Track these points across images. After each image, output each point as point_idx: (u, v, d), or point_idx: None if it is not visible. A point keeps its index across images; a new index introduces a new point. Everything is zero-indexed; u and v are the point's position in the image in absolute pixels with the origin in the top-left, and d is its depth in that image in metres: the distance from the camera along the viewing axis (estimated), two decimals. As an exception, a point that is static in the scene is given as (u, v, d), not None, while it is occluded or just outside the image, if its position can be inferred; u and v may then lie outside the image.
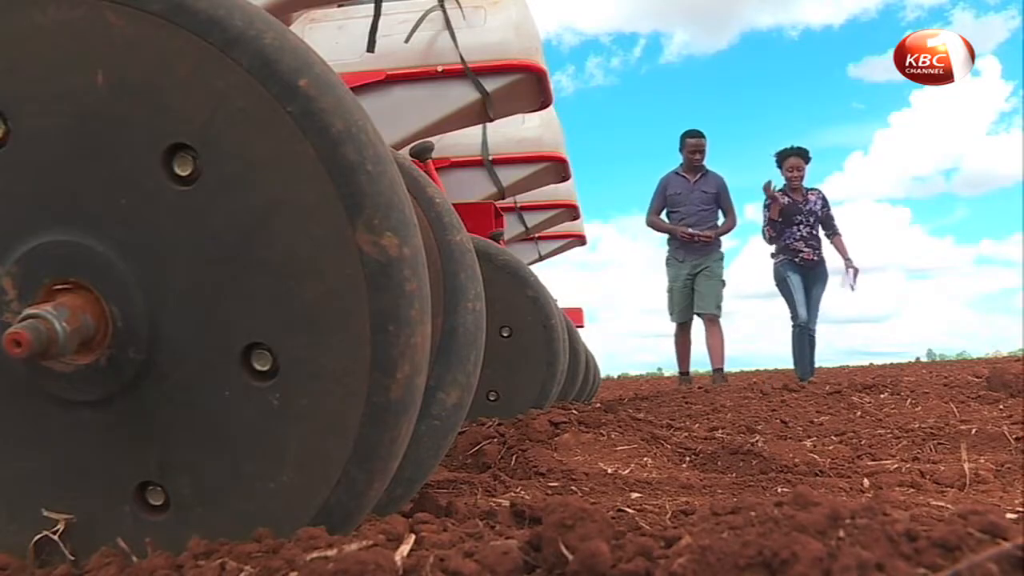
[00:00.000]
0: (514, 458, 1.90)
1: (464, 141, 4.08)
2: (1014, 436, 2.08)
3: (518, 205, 4.84)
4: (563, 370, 2.36)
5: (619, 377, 23.11)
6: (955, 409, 2.87)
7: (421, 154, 2.81)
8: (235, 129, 0.75)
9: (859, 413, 2.99)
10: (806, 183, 7.82)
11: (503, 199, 4.30)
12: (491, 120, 3.53)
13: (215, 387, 0.81)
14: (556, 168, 4.25)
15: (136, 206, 0.80)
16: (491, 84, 3.20)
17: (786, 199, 7.51)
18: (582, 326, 6.23)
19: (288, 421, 0.80)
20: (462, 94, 3.22)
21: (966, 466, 1.63)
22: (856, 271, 7.72)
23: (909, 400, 3.33)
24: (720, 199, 7.52)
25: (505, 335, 2.17)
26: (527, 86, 3.27)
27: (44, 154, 0.82)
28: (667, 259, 7.59)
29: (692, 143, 7.46)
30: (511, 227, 4.87)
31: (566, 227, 5.80)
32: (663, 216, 7.63)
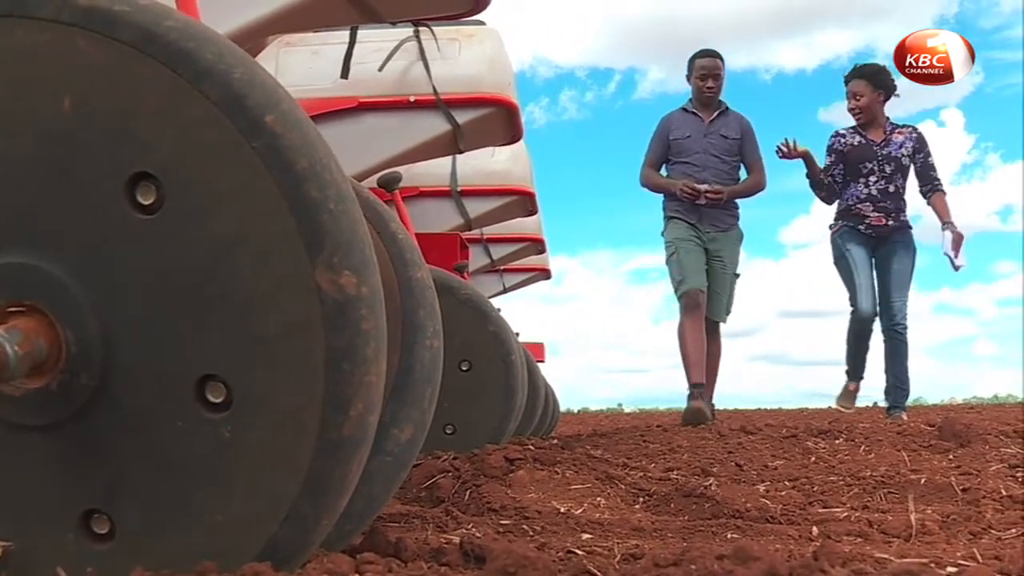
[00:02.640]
0: (468, 493, 1.89)
1: (433, 171, 4.09)
2: (961, 487, 2.11)
3: (484, 237, 4.86)
4: (521, 406, 2.37)
5: (579, 412, 23.13)
6: (906, 458, 2.90)
7: (388, 184, 2.82)
8: (200, 161, 0.76)
9: (813, 459, 3.01)
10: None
11: (470, 230, 4.31)
12: (461, 152, 3.54)
13: (168, 416, 0.81)
14: (524, 202, 4.28)
15: (97, 232, 0.80)
16: (462, 116, 3.22)
17: (856, 139, 5.51)
18: (543, 361, 6.24)
19: (239, 454, 0.80)
20: (433, 125, 3.23)
21: (913, 517, 1.65)
22: (958, 237, 5.44)
23: (863, 447, 3.36)
24: (744, 148, 5.51)
25: (464, 369, 2.17)
26: (498, 120, 3.29)
27: (5, 175, 0.82)
28: (667, 219, 5.51)
29: (703, 64, 5.45)
30: (477, 258, 4.88)
31: (532, 260, 5.81)
32: (663, 173, 5.60)
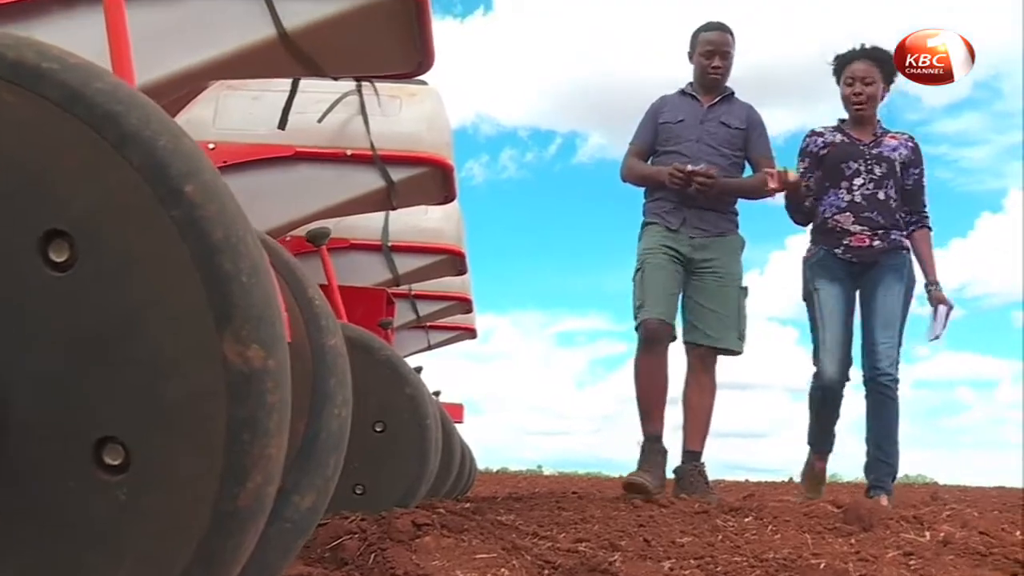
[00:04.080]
0: (372, 556, 1.87)
1: (365, 224, 4.10)
2: (857, 573, 2.16)
3: (412, 293, 4.86)
4: (434, 470, 2.36)
5: (498, 471, 23.01)
6: (810, 541, 2.95)
7: (316, 239, 2.82)
8: (117, 225, 0.76)
9: (720, 536, 3.05)
10: (885, 120, 4.47)
11: (397, 286, 4.32)
12: (394, 209, 3.57)
13: (62, 475, 0.80)
14: (454, 262, 4.30)
15: (6, 284, 0.80)
16: (398, 174, 3.24)
17: (837, 136, 4.39)
18: (461, 422, 6.22)
19: (132, 518, 0.79)
20: (368, 180, 3.25)
21: (808, 606, 1.69)
22: (946, 307, 4.33)
23: (770, 527, 3.41)
24: (751, 141, 4.51)
25: (378, 430, 2.16)
26: (433, 180, 3.32)
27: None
28: (643, 225, 4.57)
29: (710, 39, 4.48)
30: (403, 314, 4.87)
31: (458, 319, 5.82)
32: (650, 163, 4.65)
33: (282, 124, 2.87)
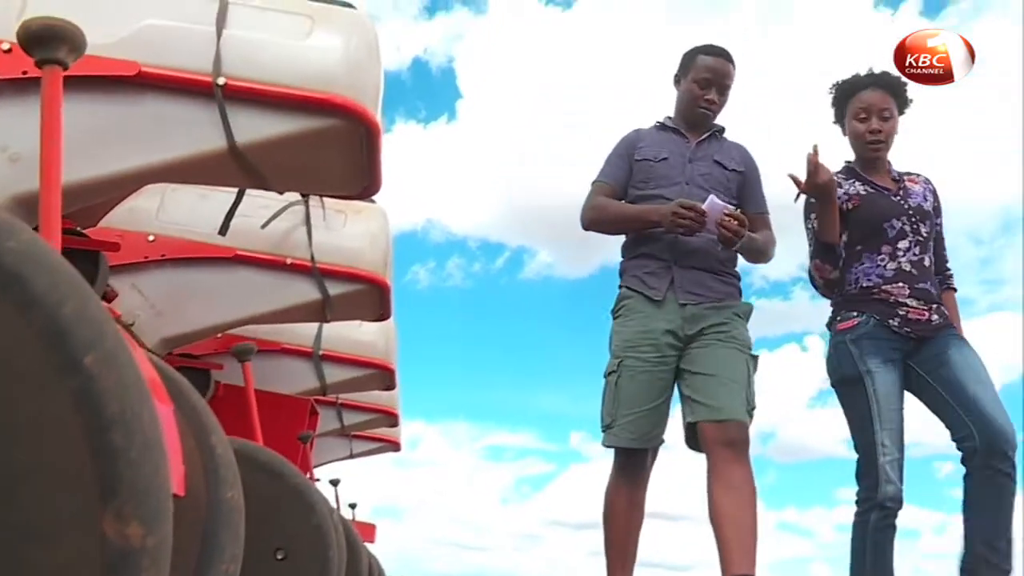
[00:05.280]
0: None
1: (298, 330, 4.09)
2: None
3: (339, 401, 4.81)
4: (333, 601, 2.30)
5: (412, 581, 22.35)
6: None
7: (242, 354, 2.80)
8: (13, 387, 0.75)
9: None
10: (897, 162, 3.59)
11: (324, 395, 4.27)
12: (327, 321, 3.56)
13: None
14: (383, 377, 4.28)
15: None
16: (335, 288, 3.25)
17: (861, 187, 3.46)
18: (372, 542, 6.09)
19: None
20: (304, 291, 3.25)
21: None
22: None
23: None
24: (748, 191, 3.51)
25: (280, 558, 2.11)
26: (369, 297, 3.33)
27: None
28: (620, 298, 3.47)
29: (710, 65, 3.46)
30: (328, 421, 4.81)
31: (383, 431, 5.76)
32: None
33: (223, 230, 2.88)
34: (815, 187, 3.28)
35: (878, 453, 3.14)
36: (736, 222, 3.17)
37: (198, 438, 1.10)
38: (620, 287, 3.49)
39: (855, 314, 3.37)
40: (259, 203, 3.25)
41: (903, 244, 3.39)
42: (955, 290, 3.58)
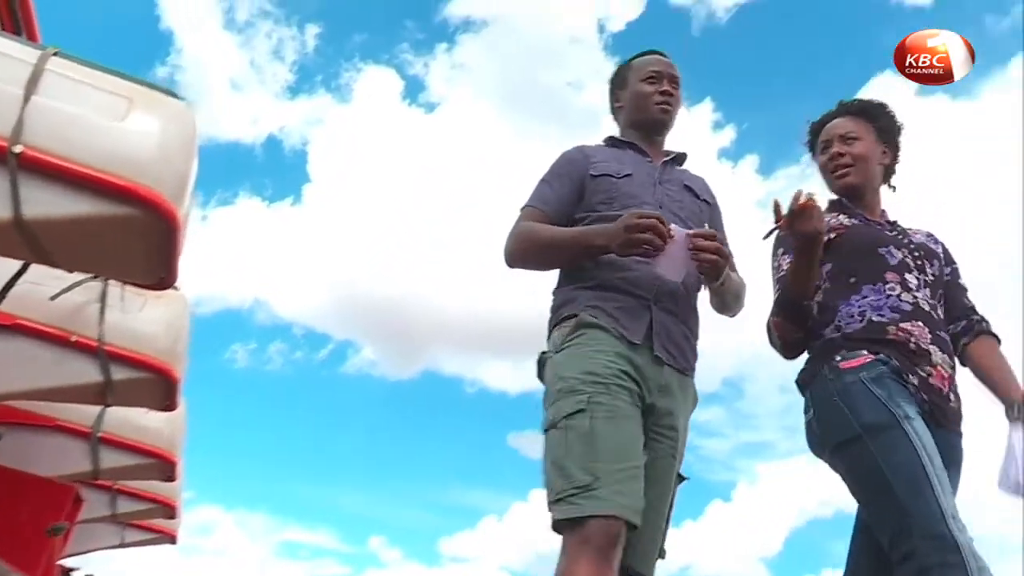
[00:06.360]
0: None
1: (81, 406, 3.86)
2: None
3: (115, 486, 4.54)
4: None
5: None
6: None
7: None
8: None
9: None
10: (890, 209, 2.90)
11: (96, 479, 4.02)
12: (108, 406, 3.38)
13: None
14: (164, 467, 4.07)
15: None
16: (120, 372, 3.11)
17: (844, 218, 2.76)
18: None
19: None
20: (85, 371, 3.09)
21: None
22: None
23: None
24: (713, 226, 2.69)
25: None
26: (156, 387, 3.20)
27: None
28: (573, 327, 2.44)
29: (652, 61, 2.83)
30: (99, 506, 4.52)
31: (160, 522, 5.44)
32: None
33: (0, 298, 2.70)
34: (799, 233, 2.49)
35: (946, 521, 2.15)
36: (712, 241, 2.38)
37: None
38: (564, 318, 2.50)
39: (865, 351, 2.48)
40: (54, 272, 3.08)
41: (911, 279, 2.62)
42: (999, 340, 2.71)
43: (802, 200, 2.44)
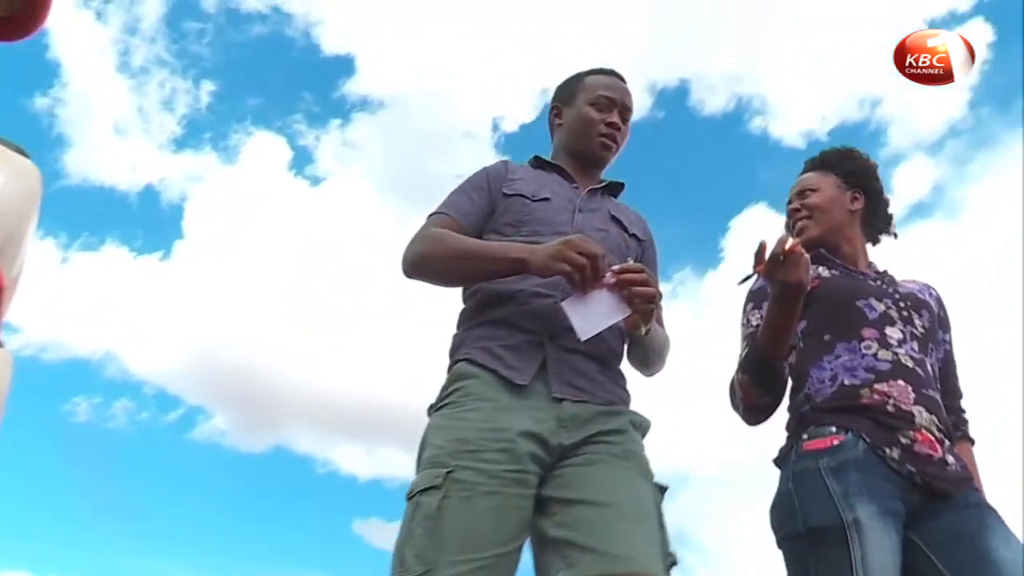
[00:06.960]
0: None
1: None
2: None
3: None
4: None
5: None
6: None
7: None
8: None
9: None
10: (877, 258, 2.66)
11: None
12: None
13: None
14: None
15: None
16: None
17: (821, 269, 2.47)
18: None
19: None
20: None
21: None
22: None
23: None
24: (646, 261, 2.39)
25: None
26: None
27: None
28: (453, 378, 2.10)
29: (607, 84, 2.48)
30: None
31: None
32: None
33: None
34: (781, 283, 2.18)
35: None
36: (643, 275, 2.03)
37: None
38: (454, 362, 2.20)
39: (833, 429, 2.19)
40: None
41: (894, 333, 2.33)
42: (973, 441, 2.45)
43: (788, 245, 2.13)
